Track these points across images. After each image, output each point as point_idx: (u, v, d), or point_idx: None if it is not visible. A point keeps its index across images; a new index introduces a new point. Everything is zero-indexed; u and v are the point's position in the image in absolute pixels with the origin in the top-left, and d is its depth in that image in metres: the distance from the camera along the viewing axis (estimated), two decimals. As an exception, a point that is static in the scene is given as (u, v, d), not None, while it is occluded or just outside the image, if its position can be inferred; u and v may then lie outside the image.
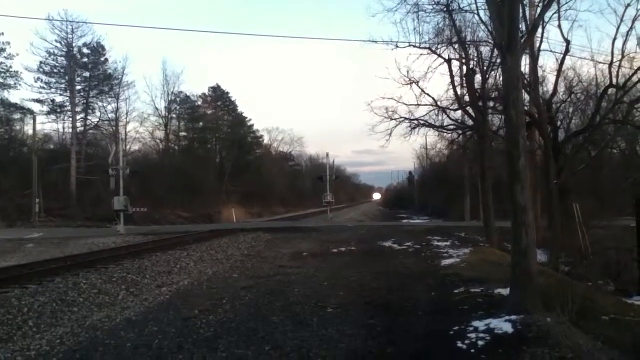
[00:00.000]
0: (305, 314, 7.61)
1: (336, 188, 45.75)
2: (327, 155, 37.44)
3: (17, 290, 9.33)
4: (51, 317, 8.02)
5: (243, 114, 63.00)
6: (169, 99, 50.22)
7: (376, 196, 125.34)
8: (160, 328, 7.01)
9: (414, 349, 5.80)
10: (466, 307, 7.46)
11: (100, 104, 43.65)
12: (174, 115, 52.09)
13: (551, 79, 20.67)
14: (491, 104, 18.91)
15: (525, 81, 17.06)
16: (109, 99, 43.88)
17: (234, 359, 5.68)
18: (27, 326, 7.47)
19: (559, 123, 20.47)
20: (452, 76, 18.48)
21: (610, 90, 18.57)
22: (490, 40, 16.09)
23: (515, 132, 6.78)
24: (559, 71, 18.76)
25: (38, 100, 40.32)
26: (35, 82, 39.77)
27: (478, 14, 16.39)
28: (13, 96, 40.39)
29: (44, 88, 40.30)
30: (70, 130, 40.87)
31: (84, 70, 42.25)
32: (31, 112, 39.27)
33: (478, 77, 18.26)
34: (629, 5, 16.28)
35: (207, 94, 58.95)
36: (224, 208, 43.50)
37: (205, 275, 12.12)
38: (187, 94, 53.19)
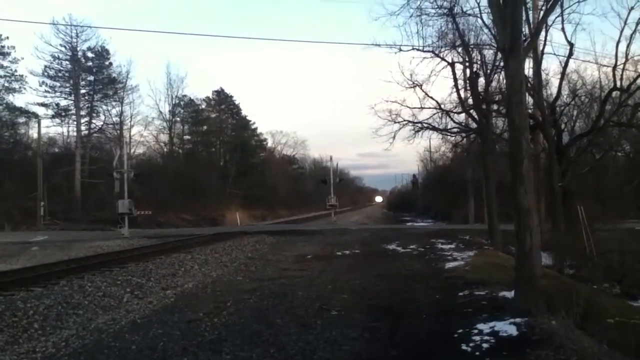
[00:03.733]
0: (309, 317, 7.63)
1: (340, 191, 45.72)
2: (331, 158, 37.61)
3: (22, 293, 9.36)
4: (56, 319, 8.03)
5: (247, 118, 63.19)
6: (173, 102, 50.47)
7: (378, 199, 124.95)
8: (165, 331, 7.04)
9: (418, 352, 5.80)
10: (470, 309, 7.46)
11: (104, 107, 43.82)
12: (178, 119, 52.30)
13: (555, 82, 20.68)
14: (495, 107, 18.93)
15: (528, 84, 17.05)
16: (114, 103, 44.12)
17: (239, 361, 5.69)
18: (32, 329, 7.48)
19: (563, 126, 20.45)
20: (455, 79, 18.51)
21: (615, 93, 18.55)
22: (493, 44, 16.12)
23: (519, 135, 6.80)
24: (563, 74, 18.75)
25: (43, 104, 40.50)
26: (40, 86, 39.98)
27: (481, 18, 16.48)
28: (18, 100, 40.47)
29: (48, 92, 40.49)
30: (75, 133, 40.98)
31: (88, 74, 42.38)
32: (36, 115, 39.43)
33: (481, 81, 18.31)
34: (632, 8, 16.31)
35: (211, 97, 59.11)
36: (228, 211, 43.59)
37: (210, 278, 12.14)
38: (191, 98, 53.43)
